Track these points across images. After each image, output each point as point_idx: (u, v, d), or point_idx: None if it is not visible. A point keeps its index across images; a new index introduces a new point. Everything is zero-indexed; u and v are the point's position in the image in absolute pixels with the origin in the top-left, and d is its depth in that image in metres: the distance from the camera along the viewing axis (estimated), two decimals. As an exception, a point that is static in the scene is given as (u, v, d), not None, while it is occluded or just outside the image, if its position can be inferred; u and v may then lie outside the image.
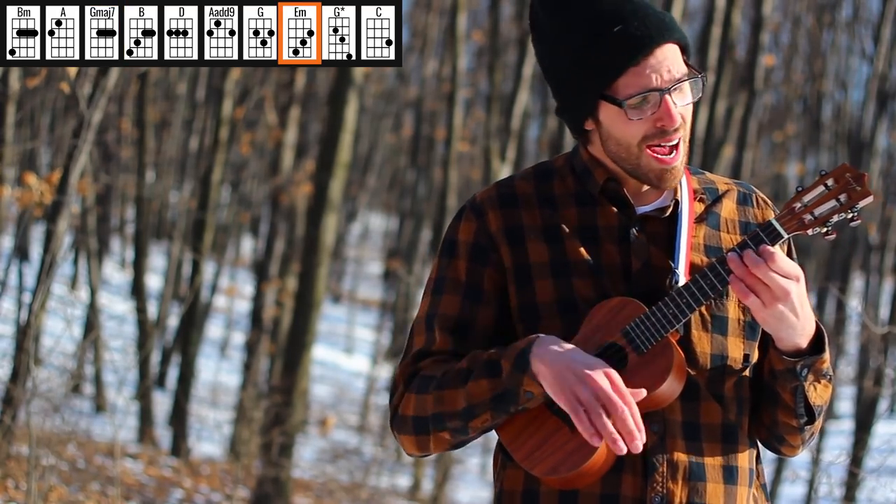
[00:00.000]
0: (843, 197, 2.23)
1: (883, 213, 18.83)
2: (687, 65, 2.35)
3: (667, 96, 2.30)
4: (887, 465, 8.71)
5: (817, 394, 2.35)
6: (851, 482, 10.70)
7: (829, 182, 2.24)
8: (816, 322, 2.31)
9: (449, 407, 2.31)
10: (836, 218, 2.24)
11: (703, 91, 2.39)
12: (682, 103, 2.33)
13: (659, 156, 2.32)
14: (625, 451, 2.19)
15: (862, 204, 2.24)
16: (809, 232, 2.25)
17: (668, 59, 2.30)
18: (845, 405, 18.52)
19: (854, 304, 17.78)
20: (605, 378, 2.20)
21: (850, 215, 2.23)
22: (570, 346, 2.26)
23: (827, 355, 2.33)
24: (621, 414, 2.18)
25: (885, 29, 14.44)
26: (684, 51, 2.35)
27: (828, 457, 12.08)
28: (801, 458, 14.33)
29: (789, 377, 2.31)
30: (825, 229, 2.24)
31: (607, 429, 2.18)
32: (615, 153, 2.35)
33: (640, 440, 2.19)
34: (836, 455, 10.76)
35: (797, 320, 2.25)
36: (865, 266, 20.47)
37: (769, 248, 2.22)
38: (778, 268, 2.21)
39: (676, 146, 2.33)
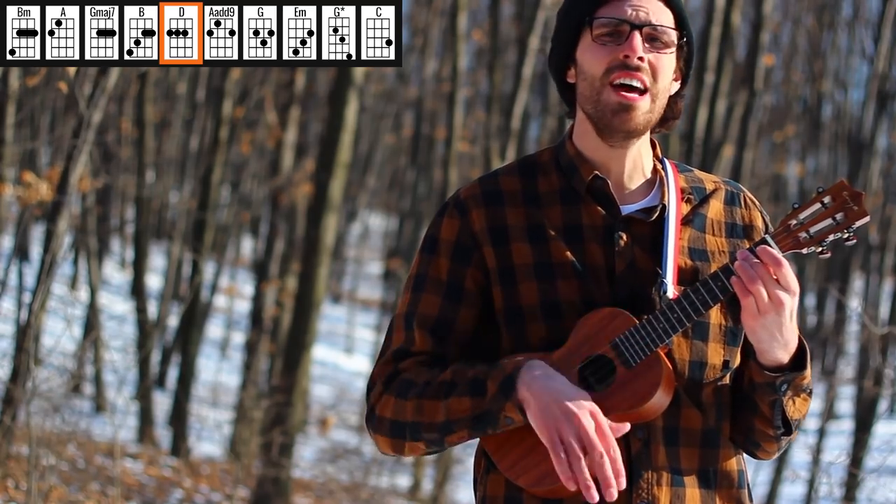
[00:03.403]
0: (839, 216, 2.21)
1: (883, 213, 18.83)
2: (679, 35, 2.36)
3: (636, 32, 2.30)
4: (887, 465, 8.71)
5: (795, 408, 2.34)
6: (851, 482, 10.69)
7: (826, 200, 2.22)
8: (800, 338, 2.30)
9: (427, 418, 2.29)
10: (831, 237, 2.22)
11: (685, 52, 2.39)
12: (653, 51, 2.32)
13: (620, 90, 2.30)
14: (597, 499, 2.16)
15: (858, 224, 2.21)
16: (804, 251, 2.23)
17: (650, 6, 2.33)
18: (845, 405, 18.51)
19: (854, 304, 17.77)
20: (590, 419, 2.18)
21: (845, 235, 2.21)
22: (558, 375, 2.24)
23: (808, 371, 2.31)
24: (599, 460, 2.16)
25: (885, 29, 14.42)
26: (677, 19, 2.36)
27: (828, 457, 12.08)
28: (801, 458, 14.33)
29: (768, 390, 2.30)
30: (820, 248, 2.23)
31: (583, 475, 2.16)
32: (583, 94, 2.35)
33: (615, 490, 2.17)
34: (836, 455, 10.75)
35: (783, 334, 2.24)
36: (865, 266, 20.46)
37: (777, 254, 2.20)
38: (781, 276, 2.20)
39: (642, 92, 2.31)
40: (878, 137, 16.12)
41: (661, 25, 2.32)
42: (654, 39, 2.32)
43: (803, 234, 2.23)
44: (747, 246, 2.33)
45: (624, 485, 2.18)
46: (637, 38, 2.29)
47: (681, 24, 2.36)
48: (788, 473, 13.42)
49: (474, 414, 2.26)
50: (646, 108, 2.32)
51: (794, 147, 23.98)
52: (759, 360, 2.29)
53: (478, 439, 2.38)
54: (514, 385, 2.23)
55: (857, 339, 16.68)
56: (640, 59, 2.30)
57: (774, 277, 2.19)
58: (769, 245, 2.23)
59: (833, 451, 12.31)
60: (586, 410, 2.18)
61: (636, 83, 2.30)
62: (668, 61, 2.33)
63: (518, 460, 2.30)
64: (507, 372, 2.25)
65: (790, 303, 2.20)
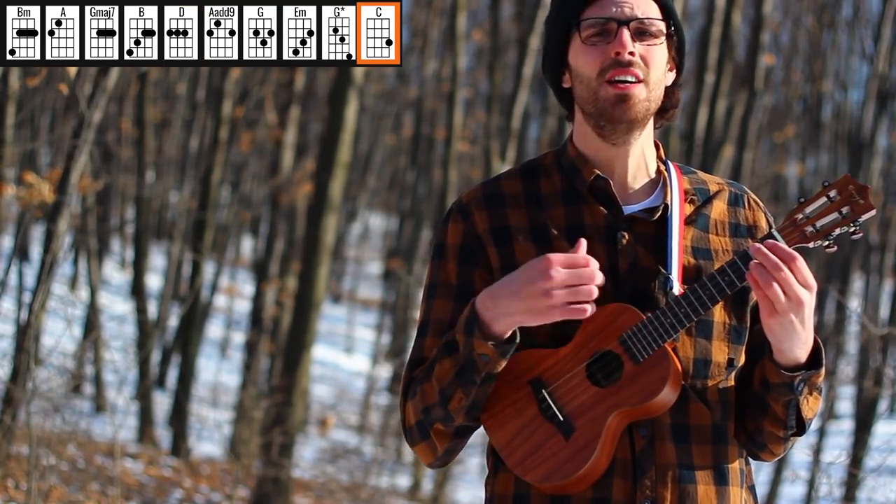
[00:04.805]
0: (845, 209, 2.22)
1: (883, 213, 18.82)
2: (667, 25, 2.36)
3: (623, 28, 2.31)
4: (887, 465, 8.71)
5: (809, 407, 2.34)
6: (851, 482, 10.69)
7: (832, 193, 2.23)
8: (814, 335, 2.30)
9: (430, 399, 2.32)
10: (837, 231, 2.22)
11: (675, 41, 2.40)
12: (643, 44, 2.33)
13: (616, 82, 2.32)
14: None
15: (864, 217, 2.22)
16: (811, 245, 2.24)
17: (635, 0, 2.34)
18: (845, 405, 18.51)
19: (854, 304, 17.78)
20: (554, 268, 2.20)
21: (852, 228, 2.22)
22: (500, 281, 2.26)
23: (823, 370, 2.32)
24: (593, 278, 2.20)
25: (885, 29, 14.43)
26: (663, 9, 2.37)
27: (828, 457, 12.08)
28: (801, 458, 14.32)
29: (784, 391, 2.30)
30: (827, 242, 2.23)
31: (591, 297, 2.21)
32: (582, 97, 2.36)
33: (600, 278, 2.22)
34: (836, 455, 10.75)
35: (802, 332, 2.24)
36: (865, 266, 20.46)
37: (792, 250, 2.20)
38: (798, 272, 2.19)
39: (637, 82, 2.33)
40: (878, 137, 16.11)
41: (648, 18, 2.34)
42: (642, 33, 2.34)
43: (809, 229, 2.23)
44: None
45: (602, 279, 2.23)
46: (625, 33, 2.31)
47: (667, 13, 2.37)
48: (788, 473, 13.43)
49: (456, 370, 2.28)
50: (643, 96, 2.33)
51: (794, 147, 23.97)
52: (777, 360, 2.28)
53: (486, 438, 2.38)
54: (474, 323, 2.25)
55: (857, 339, 16.68)
56: (631, 53, 2.32)
57: (792, 274, 2.19)
58: (776, 240, 2.23)
59: (833, 451, 12.31)
60: (545, 269, 2.21)
61: (630, 77, 2.32)
62: (658, 52, 2.35)
63: (526, 456, 2.30)
64: (465, 316, 2.28)
65: (809, 300, 2.20)
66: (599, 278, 2.21)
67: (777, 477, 13.53)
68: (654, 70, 2.34)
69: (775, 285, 2.18)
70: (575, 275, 2.20)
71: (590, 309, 2.21)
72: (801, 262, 2.19)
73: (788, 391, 2.30)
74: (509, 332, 2.26)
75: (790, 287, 2.19)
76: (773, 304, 2.20)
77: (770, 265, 2.19)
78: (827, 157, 22.59)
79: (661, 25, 2.35)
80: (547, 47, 2.42)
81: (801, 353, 2.27)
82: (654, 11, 2.35)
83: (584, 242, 2.23)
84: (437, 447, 2.36)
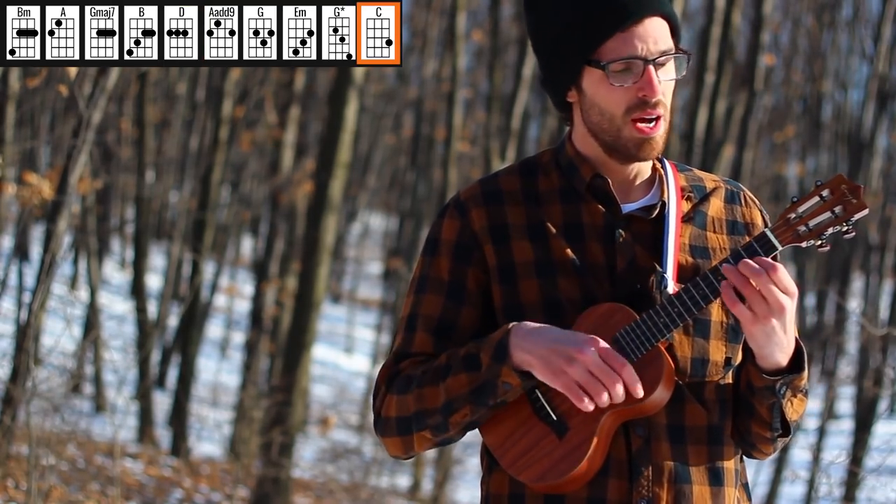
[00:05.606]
0: (838, 209, 2.22)
1: (883, 213, 18.83)
2: (675, 43, 2.34)
3: (650, 66, 2.29)
4: (887, 465, 8.71)
5: (793, 409, 2.35)
6: (851, 482, 10.70)
7: (825, 193, 2.23)
8: (796, 339, 2.31)
9: (429, 404, 2.30)
10: (830, 230, 2.22)
11: (686, 70, 2.38)
12: (665, 78, 2.31)
13: (642, 126, 2.30)
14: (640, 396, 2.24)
15: (857, 217, 2.22)
16: (804, 244, 2.24)
17: (656, 31, 2.30)
18: (845, 405, 18.51)
19: (854, 304, 17.78)
20: (592, 349, 2.20)
21: (844, 228, 2.22)
22: (546, 326, 2.25)
23: (806, 373, 2.32)
24: (615, 385, 2.20)
25: (885, 29, 14.45)
26: (673, 29, 2.34)
27: (828, 457, 12.08)
28: (801, 457, 14.33)
29: (767, 394, 2.31)
30: (819, 241, 2.24)
31: (608, 402, 2.21)
32: (597, 124, 2.33)
33: (640, 391, 2.22)
34: (836, 455, 10.75)
35: (784, 337, 2.24)
36: (865, 266, 20.46)
37: (771, 260, 2.21)
38: (779, 280, 2.20)
39: (658, 120, 2.32)
40: (878, 137, 16.13)
41: (670, 53, 2.32)
42: (661, 64, 2.32)
43: (802, 228, 2.23)
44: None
45: (641, 393, 2.22)
46: (653, 74, 2.29)
47: (675, 30, 2.36)
48: (788, 473, 13.43)
49: (472, 388, 2.27)
50: (662, 132, 2.34)
51: (794, 147, 23.97)
52: (760, 364, 2.29)
53: (481, 437, 2.38)
54: (506, 349, 2.25)
55: (857, 339, 16.68)
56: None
57: (772, 282, 2.19)
58: (769, 239, 2.23)
59: (833, 451, 12.31)
60: (585, 343, 2.21)
61: (654, 116, 2.31)
62: (673, 83, 2.35)
63: (520, 456, 2.30)
64: (496, 339, 2.27)
65: (790, 305, 2.21)
66: (620, 393, 2.21)
67: (777, 477, 13.54)
68: (669, 100, 2.33)
69: (755, 291, 2.19)
70: (604, 370, 2.20)
71: (588, 405, 2.21)
72: (781, 270, 2.20)
73: (771, 395, 2.30)
74: (522, 368, 2.26)
75: (771, 293, 2.19)
76: (753, 311, 2.20)
77: (749, 271, 2.19)
78: (827, 157, 22.61)
79: (672, 47, 2.33)
80: (552, 69, 2.36)
81: (782, 357, 2.28)
82: (666, 33, 2.32)
83: (629, 367, 2.23)
84: (413, 447, 2.36)
